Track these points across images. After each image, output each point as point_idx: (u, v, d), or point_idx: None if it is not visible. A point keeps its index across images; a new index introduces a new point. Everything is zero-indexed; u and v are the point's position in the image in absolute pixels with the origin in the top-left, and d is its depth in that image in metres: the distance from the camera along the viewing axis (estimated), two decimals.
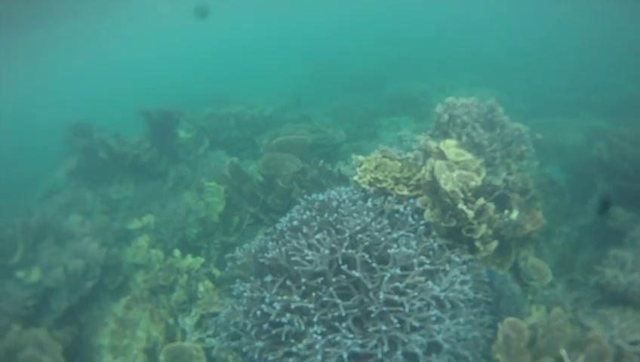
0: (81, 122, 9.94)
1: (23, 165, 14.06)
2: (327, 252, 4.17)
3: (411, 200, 4.89)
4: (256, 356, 4.21)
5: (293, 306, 4.05)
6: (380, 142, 8.03)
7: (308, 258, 4.17)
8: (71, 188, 9.45)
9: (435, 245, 4.51)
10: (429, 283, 4.00)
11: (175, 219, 7.61)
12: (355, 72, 18.66)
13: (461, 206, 4.49)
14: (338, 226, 4.51)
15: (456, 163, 4.93)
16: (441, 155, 5.06)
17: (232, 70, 25.37)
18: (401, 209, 4.75)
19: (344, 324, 3.91)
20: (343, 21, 39.18)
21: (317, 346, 3.79)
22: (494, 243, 4.66)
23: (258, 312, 4.26)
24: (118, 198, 9.13)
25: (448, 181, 4.60)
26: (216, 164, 9.47)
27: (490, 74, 16.06)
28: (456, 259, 4.47)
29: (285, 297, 4.13)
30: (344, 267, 4.04)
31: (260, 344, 4.17)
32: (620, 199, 6.69)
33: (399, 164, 5.38)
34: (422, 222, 4.64)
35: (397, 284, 3.90)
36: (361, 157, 5.46)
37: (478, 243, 4.58)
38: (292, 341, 4.02)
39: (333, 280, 4.11)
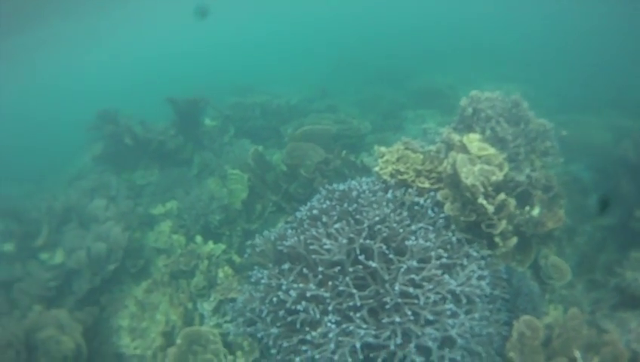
0: (108, 109, 10.07)
1: (52, 152, 14.35)
2: (345, 241, 4.18)
3: (432, 193, 4.87)
4: (271, 342, 4.26)
5: (309, 294, 4.07)
6: (405, 134, 7.99)
7: (326, 247, 4.20)
8: (96, 173, 9.59)
9: (454, 239, 4.47)
10: (446, 276, 3.98)
11: (198, 206, 7.68)
12: (382, 63, 18.50)
13: (481, 200, 4.45)
14: (357, 216, 4.52)
15: (479, 157, 4.87)
16: (464, 149, 5.01)
17: (258, 61, 25.43)
18: (422, 201, 4.73)
19: (359, 314, 3.92)
20: (370, 12, 38.90)
21: (330, 334, 3.81)
22: (514, 240, 4.60)
23: (274, 299, 4.31)
24: (142, 184, 9.24)
25: (469, 175, 4.56)
26: (241, 152, 9.52)
27: (518, 68, 15.78)
28: (475, 253, 4.43)
29: (302, 285, 4.16)
30: (361, 257, 4.05)
31: (275, 330, 4.22)
32: None
33: (421, 157, 5.34)
34: (442, 215, 4.61)
35: (413, 276, 3.89)
36: (383, 149, 5.44)
37: (497, 239, 4.53)
38: (307, 329, 4.05)
39: (350, 269, 4.12)
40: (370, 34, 26.82)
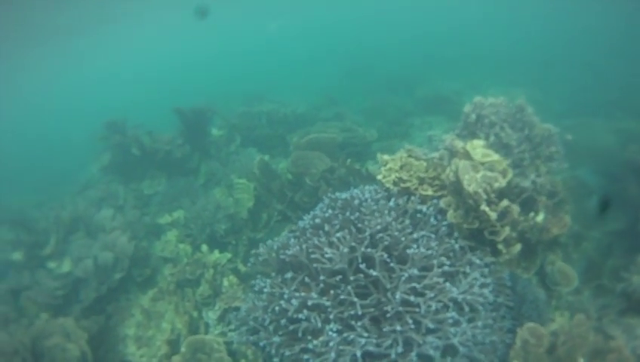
0: (115, 119, 10.15)
1: (62, 162, 14.51)
2: (346, 250, 4.18)
3: (435, 201, 4.84)
4: (273, 351, 4.25)
5: (310, 303, 4.07)
6: (412, 141, 7.99)
7: (327, 256, 4.19)
8: (104, 183, 9.68)
9: (457, 246, 4.44)
10: (447, 284, 3.96)
11: (204, 215, 7.72)
12: (390, 71, 18.54)
13: (484, 207, 4.42)
14: (359, 225, 4.51)
15: (482, 163, 4.84)
16: (467, 155, 4.99)
17: (270, 70, 25.61)
18: (424, 209, 4.71)
19: (360, 323, 3.90)
20: (378, 20, 39.03)
21: (332, 343, 3.80)
22: (518, 246, 4.56)
23: (277, 308, 4.31)
24: (150, 193, 9.31)
25: (472, 182, 4.54)
26: (247, 161, 9.54)
27: (526, 73, 15.70)
28: (477, 261, 4.40)
29: (303, 294, 4.16)
30: (363, 266, 4.03)
31: (277, 339, 4.21)
32: None
33: (424, 164, 5.32)
34: (444, 222, 4.59)
35: (414, 285, 3.87)
36: (386, 157, 5.43)
37: (500, 246, 4.49)
38: (309, 337, 4.05)
39: (352, 278, 4.11)
40: (379, 42, 26.95)
